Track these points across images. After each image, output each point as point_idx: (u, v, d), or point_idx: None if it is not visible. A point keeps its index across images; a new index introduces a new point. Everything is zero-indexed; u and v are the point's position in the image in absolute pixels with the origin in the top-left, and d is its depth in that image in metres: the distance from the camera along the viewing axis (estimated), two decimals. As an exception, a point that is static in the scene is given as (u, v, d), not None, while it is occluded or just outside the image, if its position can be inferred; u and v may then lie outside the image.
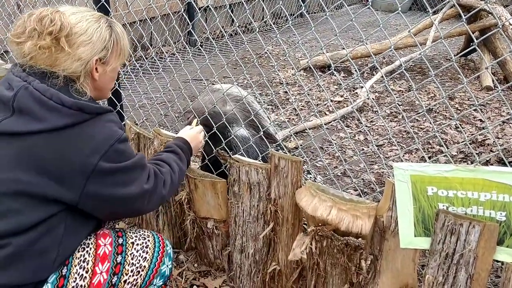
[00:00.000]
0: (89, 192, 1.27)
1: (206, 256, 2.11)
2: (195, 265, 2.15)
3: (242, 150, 2.01)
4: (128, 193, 1.33)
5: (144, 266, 1.50)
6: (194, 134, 1.79)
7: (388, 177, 1.66)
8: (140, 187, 1.36)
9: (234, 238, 1.93)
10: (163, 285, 1.59)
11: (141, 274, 1.49)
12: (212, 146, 2.06)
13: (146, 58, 4.84)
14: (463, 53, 5.14)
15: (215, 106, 2.03)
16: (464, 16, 1.33)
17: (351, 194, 1.75)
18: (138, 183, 1.36)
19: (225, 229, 1.98)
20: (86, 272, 1.38)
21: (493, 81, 4.54)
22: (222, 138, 2.01)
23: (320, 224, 1.54)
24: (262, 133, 1.91)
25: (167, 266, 1.57)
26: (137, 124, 2.48)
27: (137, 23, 2.33)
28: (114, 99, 2.41)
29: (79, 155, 1.24)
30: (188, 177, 1.94)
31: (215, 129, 1.99)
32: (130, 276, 1.46)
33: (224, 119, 2.00)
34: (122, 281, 1.44)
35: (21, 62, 1.30)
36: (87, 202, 1.29)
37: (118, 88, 2.41)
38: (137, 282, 1.48)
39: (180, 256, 2.19)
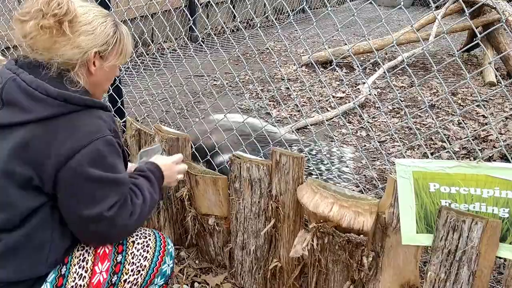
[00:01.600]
0: (56, 189, 1.23)
1: (207, 252, 2.11)
2: (196, 261, 2.15)
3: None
4: (85, 213, 1.25)
5: (145, 266, 1.47)
6: (169, 163, 1.62)
7: (390, 174, 1.65)
8: (101, 209, 1.26)
9: (235, 235, 1.93)
10: (164, 285, 1.56)
11: (141, 274, 1.46)
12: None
13: (147, 54, 4.83)
14: (465, 48, 5.11)
15: (200, 140, 2.10)
16: (467, 11, 1.32)
17: (353, 190, 1.74)
18: (102, 205, 1.26)
19: (226, 226, 1.98)
20: (86, 271, 1.36)
21: (496, 76, 4.51)
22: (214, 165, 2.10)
23: (321, 221, 1.54)
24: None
25: (168, 265, 1.54)
26: (138, 120, 2.47)
27: (138, 19, 2.32)
28: (115, 95, 2.40)
29: (59, 146, 1.21)
30: (189, 174, 1.93)
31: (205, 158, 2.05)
32: (130, 275, 1.44)
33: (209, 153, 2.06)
34: (122, 281, 1.42)
35: (20, 43, 1.29)
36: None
37: (119, 84, 2.40)
38: (138, 282, 1.46)
39: (181, 253, 2.19)
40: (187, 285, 2.01)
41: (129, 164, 1.73)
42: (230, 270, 2.05)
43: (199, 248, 2.16)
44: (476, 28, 4.87)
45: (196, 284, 2.01)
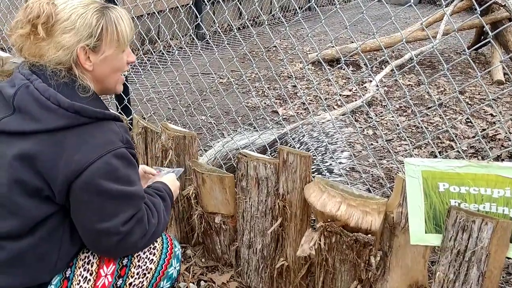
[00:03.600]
0: (70, 201, 1.22)
1: (214, 251, 2.10)
2: (203, 260, 2.14)
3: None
4: (99, 227, 1.23)
5: (151, 269, 1.44)
6: (172, 179, 1.64)
7: (397, 173, 1.64)
8: (115, 223, 1.24)
9: (242, 234, 1.92)
10: (170, 287, 1.53)
11: (147, 277, 1.43)
12: None
13: (154, 52, 4.83)
14: (475, 47, 5.07)
15: None
16: (476, 8, 1.30)
17: (360, 189, 1.73)
18: (116, 220, 1.24)
19: (232, 224, 1.97)
20: (90, 274, 1.34)
21: (504, 75, 4.48)
22: None
23: (329, 220, 1.53)
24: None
25: (175, 268, 1.51)
26: (144, 118, 2.47)
27: (144, 16, 2.32)
28: (121, 93, 2.39)
29: (68, 158, 1.18)
30: (196, 172, 1.93)
31: None
32: (135, 278, 1.40)
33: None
34: (127, 284, 1.39)
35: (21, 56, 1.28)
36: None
37: (126, 82, 2.39)
38: (143, 285, 1.43)
39: (188, 251, 2.18)
40: (193, 283, 2.01)
41: (141, 166, 1.72)
42: (237, 269, 2.05)
43: (205, 247, 2.15)
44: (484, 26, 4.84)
45: (202, 283, 2.01)
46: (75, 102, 1.21)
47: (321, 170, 2.25)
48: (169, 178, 1.62)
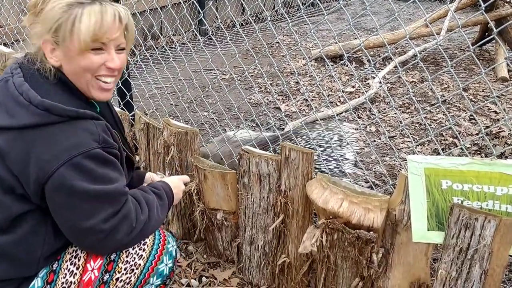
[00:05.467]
0: (46, 201, 1.20)
1: (215, 247, 2.10)
2: (204, 256, 2.14)
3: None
4: (80, 225, 1.21)
5: (139, 264, 1.41)
6: (177, 181, 1.64)
7: (400, 170, 1.63)
8: (96, 222, 1.21)
9: (244, 230, 1.92)
10: (161, 285, 1.50)
11: (135, 273, 1.40)
12: None
13: (156, 48, 4.82)
14: (479, 44, 5.04)
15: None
16: (480, 5, 1.29)
17: (362, 186, 1.72)
18: (96, 218, 1.21)
19: (234, 221, 1.97)
20: (77, 268, 1.33)
21: (509, 71, 4.45)
22: None
23: (331, 217, 1.52)
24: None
25: (166, 265, 1.47)
26: (146, 114, 2.46)
27: (147, 11, 2.31)
28: (124, 88, 2.39)
29: (38, 159, 1.15)
30: (198, 168, 1.93)
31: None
32: (123, 274, 1.38)
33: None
34: (114, 279, 1.37)
35: None
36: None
37: (128, 78, 2.39)
38: (131, 281, 1.40)
39: (190, 247, 2.18)
40: (195, 279, 2.01)
41: (148, 173, 1.76)
42: (238, 265, 2.05)
43: (207, 243, 2.15)
44: (489, 23, 4.81)
45: (204, 279, 2.01)
46: (47, 99, 1.18)
47: (321, 169, 2.25)
48: (172, 180, 1.61)
